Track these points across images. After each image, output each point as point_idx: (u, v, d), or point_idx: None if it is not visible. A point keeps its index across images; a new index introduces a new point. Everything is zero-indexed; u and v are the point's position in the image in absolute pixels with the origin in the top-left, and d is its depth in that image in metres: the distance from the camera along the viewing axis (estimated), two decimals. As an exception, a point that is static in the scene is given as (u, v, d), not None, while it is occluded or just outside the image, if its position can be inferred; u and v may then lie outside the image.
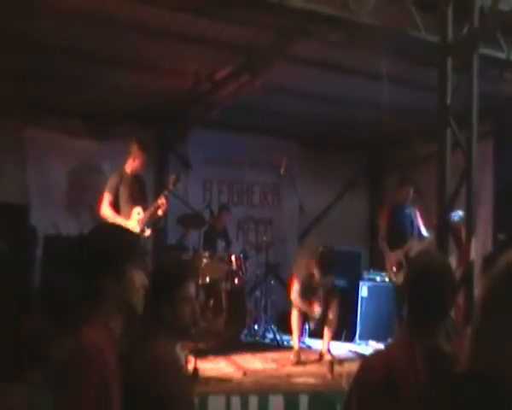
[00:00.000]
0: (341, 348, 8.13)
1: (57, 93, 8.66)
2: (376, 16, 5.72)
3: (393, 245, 8.11)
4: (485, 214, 8.67)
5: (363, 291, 8.88)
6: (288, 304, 7.72)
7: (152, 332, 2.62)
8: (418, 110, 8.21)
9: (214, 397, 5.37)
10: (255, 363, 7.03)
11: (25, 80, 8.21)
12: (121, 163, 7.29)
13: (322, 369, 6.59)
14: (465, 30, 5.96)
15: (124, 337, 2.34)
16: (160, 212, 7.09)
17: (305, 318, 7.83)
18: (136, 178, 7.31)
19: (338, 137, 10.92)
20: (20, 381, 5.18)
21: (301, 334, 8.53)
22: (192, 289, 2.77)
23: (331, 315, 7.49)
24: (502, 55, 6.17)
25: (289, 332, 7.97)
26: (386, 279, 8.88)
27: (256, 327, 8.88)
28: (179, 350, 2.84)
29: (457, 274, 5.35)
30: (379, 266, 9.98)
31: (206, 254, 8.31)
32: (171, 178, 7.38)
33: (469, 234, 5.81)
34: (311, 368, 6.92)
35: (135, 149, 7.20)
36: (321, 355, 7.39)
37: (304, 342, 8.42)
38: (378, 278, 9.03)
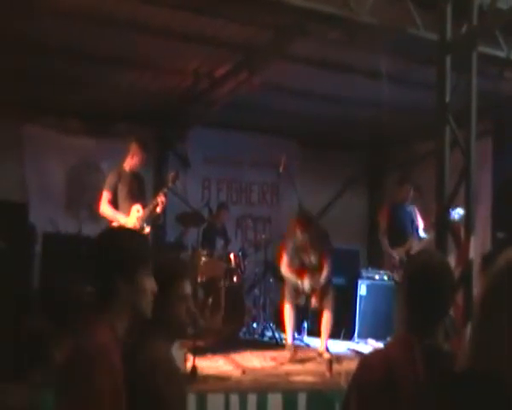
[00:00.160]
0: (340, 347, 8.12)
1: (57, 92, 8.67)
2: (375, 15, 5.73)
3: (394, 243, 8.12)
4: (484, 213, 8.68)
5: (362, 289, 8.87)
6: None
7: (148, 332, 2.61)
8: (417, 108, 8.21)
9: (213, 395, 5.37)
10: (254, 361, 7.03)
11: (24, 80, 8.21)
12: (120, 161, 7.30)
13: (321, 367, 6.58)
14: (464, 28, 5.96)
15: (127, 338, 2.34)
16: (158, 209, 7.09)
17: (302, 315, 7.84)
18: (135, 176, 7.31)
19: (337, 136, 10.92)
20: (20, 381, 5.17)
21: (300, 332, 8.57)
22: (188, 287, 2.76)
23: (327, 312, 7.50)
24: (501, 54, 6.17)
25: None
26: (385, 278, 8.89)
27: (255, 325, 8.89)
28: (178, 349, 2.83)
29: (456, 273, 5.35)
30: (378, 264, 9.99)
31: (205, 252, 8.33)
32: (170, 175, 7.40)
33: (468, 233, 5.81)
34: (309, 366, 6.92)
35: (134, 146, 7.21)
36: (319, 354, 7.39)
37: (302, 341, 8.43)
38: (377, 277, 9.03)
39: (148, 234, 7.18)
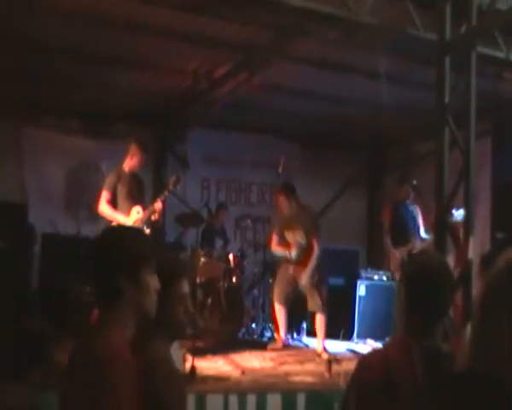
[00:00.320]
0: (339, 347, 8.12)
1: (56, 93, 8.67)
2: (375, 15, 5.73)
3: (396, 243, 8.10)
4: (483, 213, 8.68)
5: (361, 290, 8.87)
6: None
7: (147, 332, 2.60)
8: (417, 109, 8.21)
9: (212, 396, 5.37)
10: (253, 361, 7.02)
11: (24, 80, 8.20)
12: (119, 162, 7.30)
13: (320, 368, 6.58)
14: (463, 28, 5.96)
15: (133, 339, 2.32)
16: (155, 216, 7.10)
17: (301, 316, 7.85)
18: (135, 177, 7.31)
19: (337, 136, 10.91)
20: (20, 381, 5.17)
21: (299, 332, 8.57)
22: (186, 286, 2.75)
23: (317, 314, 7.52)
24: (500, 54, 6.18)
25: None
26: (384, 278, 8.89)
27: (254, 326, 8.90)
28: (177, 349, 2.82)
29: (456, 273, 5.35)
30: (377, 264, 10.00)
31: (204, 252, 8.32)
32: (172, 179, 7.39)
33: (467, 233, 5.81)
34: (308, 367, 6.92)
35: (133, 147, 7.21)
36: (317, 355, 7.40)
37: (301, 341, 8.44)
38: (376, 277, 9.03)
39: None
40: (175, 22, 6.60)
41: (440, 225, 5.95)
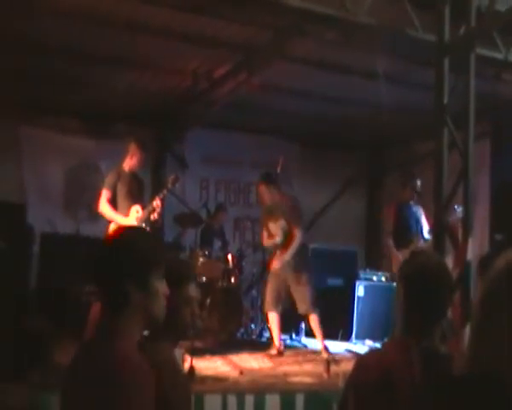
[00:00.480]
0: (338, 348, 8.12)
1: (55, 92, 8.67)
2: (373, 16, 5.74)
3: (399, 244, 8.03)
4: (482, 214, 8.68)
5: (360, 290, 8.87)
6: (286, 303, 7.73)
7: (153, 334, 2.61)
8: (416, 109, 8.21)
9: (210, 396, 5.37)
10: (252, 362, 7.02)
11: (23, 80, 8.20)
12: (119, 162, 7.30)
13: (319, 368, 6.58)
14: (462, 30, 5.97)
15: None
16: (154, 215, 7.10)
17: (300, 317, 7.84)
18: (134, 177, 7.32)
19: (336, 137, 10.91)
20: (20, 381, 5.17)
21: (297, 333, 8.57)
22: (193, 289, 2.76)
23: (310, 315, 7.52)
24: (499, 56, 6.18)
25: (284, 332, 8.03)
26: (383, 279, 8.88)
27: (253, 326, 8.90)
28: (176, 349, 2.82)
29: (454, 274, 5.35)
30: (375, 265, 10.00)
31: (203, 252, 8.32)
32: (171, 178, 7.40)
33: (466, 234, 5.82)
34: (307, 367, 6.92)
35: (133, 146, 7.21)
36: (319, 353, 7.40)
37: (300, 342, 8.44)
38: (375, 278, 9.03)
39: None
40: (175, 22, 6.60)
41: (439, 225, 5.96)
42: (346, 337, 8.65)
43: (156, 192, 7.47)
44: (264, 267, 9.20)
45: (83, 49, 7.25)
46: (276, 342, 7.51)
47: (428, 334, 2.48)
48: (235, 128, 10.45)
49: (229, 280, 8.39)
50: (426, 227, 8.13)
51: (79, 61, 7.61)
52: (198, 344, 6.56)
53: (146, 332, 2.51)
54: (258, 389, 5.74)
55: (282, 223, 7.54)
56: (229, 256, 8.58)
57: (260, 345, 8.12)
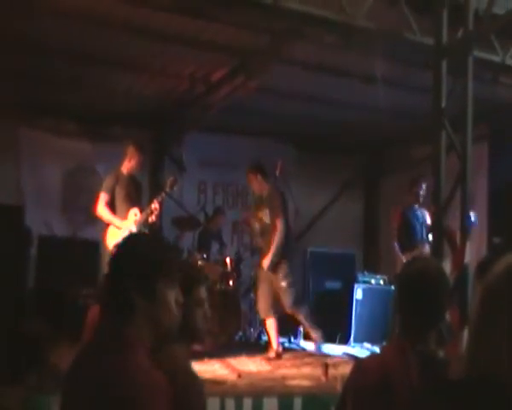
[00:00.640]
0: (336, 351, 8.12)
1: (53, 94, 8.66)
2: (372, 19, 5.74)
3: (403, 248, 7.96)
4: (480, 217, 8.67)
5: (358, 294, 8.87)
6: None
7: (166, 338, 2.60)
8: (414, 112, 8.22)
9: (208, 399, 5.33)
10: (250, 365, 7.01)
11: (21, 81, 8.20)
12: (116, 165, 7.30)
13: (317, 371, 6.57)
14: (460, 33, 5.98)
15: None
16: (152, 218, 7.10)
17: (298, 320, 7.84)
18: (133, 179, 7.32)
19: (334, 140, 10.91)
20: (17, 384, 5.16)
21: (296, 336, 8.56)
22: (204, 292, 2.77)
23: (296, 315, 7.53)
24: (496, 59, 6.19)
25: (283, 335, 8.02)
26: (381, 282, 8.87)
27: (251, 329, 8.88)
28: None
29: (452, 278, 5.35)
30: (374, 268, 10.00)
31: (201, 256, 8.32)
32: (169, 180, 7.40)
33: (464, 237, 5.82)
34: (305, 370, 6.90)
35: (131, 149, 7.21)
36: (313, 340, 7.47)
37: (298, 345, 8.43)
38: (373, 281, 9.03)
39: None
40: (172, 26, 6.60)
41: (437, 228, 5.96)
42: (345, 341, 8.64)
43: (154, 195, 7.47)
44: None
45: (80, 50, 7.25)
46: (274, 344, 7.50)
47: (424, 338, 2.47)
48: (233, 131, 10.45)
49: (228, 283, 8.38)
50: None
51: (76, 63, 7.61)
52: (196, 347, 6.54)
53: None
54: (257, 392, 5.73)
55: (265, 212, 7.59)
56: (228, 259, 8.57)
57: (258, 348, 8.11)
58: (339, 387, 5.41)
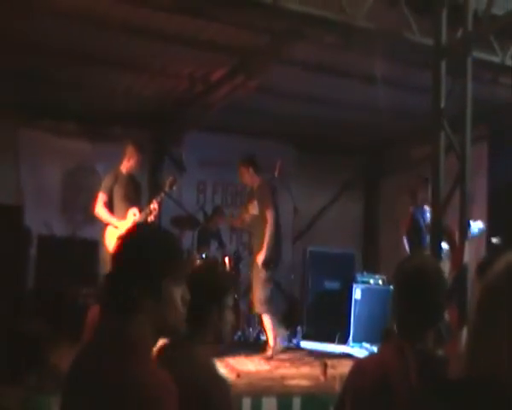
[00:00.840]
0: (335, 351, 8.12)
1: (53, 94, 8.65)
2: (372, 19, 5.74)
3: (411, 246, 7.93)
4: (479, 217, 8.67)
5: (357, 294, 8.87)
6: (284, 303, 7.74)
7: (197, 337, 2.67)
8: (414, 112, 8.22)
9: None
10: (248, 365, 7.02)
11: (21, 81, 8.19)
12: (116, 164, 7.30)
13: (316, 371, 6.57)
14: (459, 33, 5.98)
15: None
16: (151, 218, 7.10)
17: (297, 319, 7.85)
18: (132, 179, 7.32)
19: (333, 140, 10.91)
20: (17, 384, 5.16)
21: (295, 336, 8.56)
22: (231, 299, 2.86)
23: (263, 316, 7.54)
24: (496, 59, 6.19)
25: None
26: (380, 282, 8.88)
27: (250, 329, 8.88)
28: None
29: (451, 277, 5.36)
30: (373, 268, 10.00)
31: (200, 255, 8.31)
32: (168, 180, 7.40)
33: (463, 237, 5.82)
34: (304, 370, 6.91)
35: (130, 149, 7.22)
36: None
37: (297, 345, 8.43)
38: (372, 281, 9.03)
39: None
40: (172, 25, 6.60)
41: (436, 229, 5.96)
42: (343, 340, 8.64)
43: (153, 195, 7.48)
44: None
45: (79, 50, 7.25)
46: (271, 342, 7.51)
47: (422, 337, 2.48)
48: (233, 131, 10.44)
49: (227, 283, 8.37)
50: None
51: (75, 63, 7.61)
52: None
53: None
54: (255, 392, 5.74)
55: (254, 205, 7.65)
56: (226, 259, 8.57)
57: (257, 348, 8.11)
58: (338, 387, 5.42)
